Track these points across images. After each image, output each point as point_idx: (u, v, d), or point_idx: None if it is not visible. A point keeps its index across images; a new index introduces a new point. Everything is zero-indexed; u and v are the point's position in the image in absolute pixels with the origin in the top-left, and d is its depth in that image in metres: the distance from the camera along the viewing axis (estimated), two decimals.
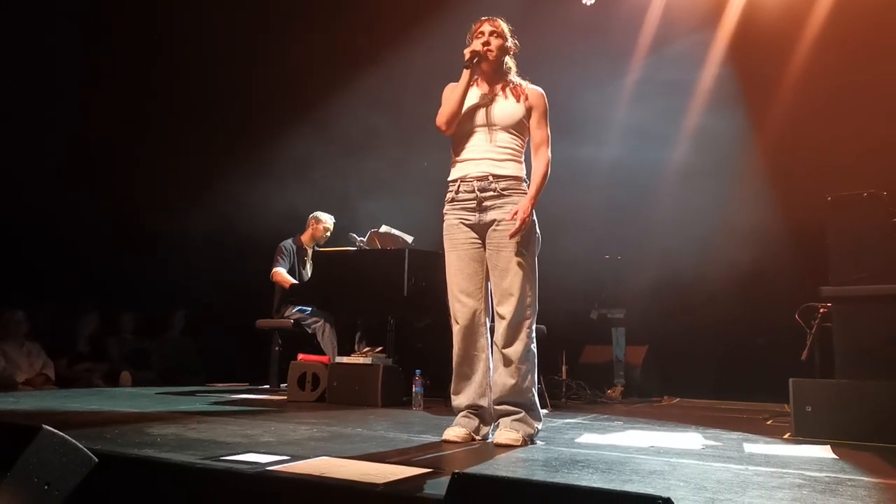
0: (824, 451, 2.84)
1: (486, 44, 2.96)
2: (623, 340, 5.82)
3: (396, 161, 6.32)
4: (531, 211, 2.88)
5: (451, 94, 2.98)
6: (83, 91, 6.21)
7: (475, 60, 2.94)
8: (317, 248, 5.61)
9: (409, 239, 5.06)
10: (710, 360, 5.66)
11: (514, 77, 3.03)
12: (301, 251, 5.69)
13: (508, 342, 2.85)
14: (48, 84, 6.13)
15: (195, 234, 6.38)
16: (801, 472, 2.34)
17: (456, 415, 2.98)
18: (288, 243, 5.65)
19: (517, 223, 2.82)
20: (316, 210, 5.79)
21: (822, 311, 3.89)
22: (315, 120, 6.34)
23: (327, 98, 6.39)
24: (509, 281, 2.86)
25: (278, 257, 5.55)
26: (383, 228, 5.11)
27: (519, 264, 2.86)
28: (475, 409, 2.94)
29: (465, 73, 2.94)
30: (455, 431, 2.88)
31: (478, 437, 2.92)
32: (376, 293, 4.66)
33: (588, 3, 6.12)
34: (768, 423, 3.98)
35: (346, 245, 5.21)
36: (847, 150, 5.05)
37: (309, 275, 5.53)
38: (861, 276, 3.45)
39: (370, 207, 6.07)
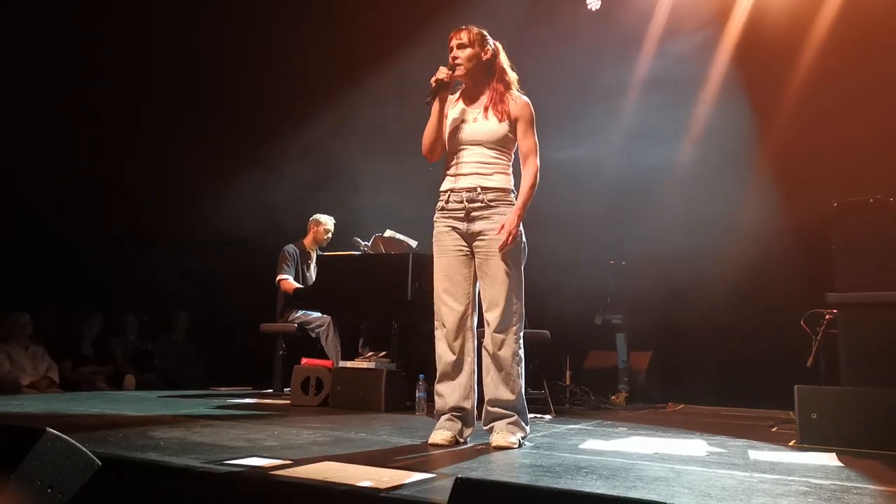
0: (829, 459, 2.83)
1: (455, 58, 2.99)
2: (626, 346, 5.80)
3: (401, 164, 6.31)
4: (518, 223, 2.90)
5: (427, 124, 3.02)
6: (80, 92, 6.18)
7: (438, 90, 2.97)
8: (321, 252, 5.61)
9: (413, 243, 5.06)
10: (715, 366, 5.63)
11: (501, 83, 3.01)
12: (304, 255, 5.69)
13: (496, 347, 2.92)
14: (46, 85, 6.12)
15: (199, 235, 6.39)
16: (807, 480, 2.32)
17: (438, 417, 3.00)
18: (291, 248, 5.66)
19: (504, 236, 2.85)
20: (319, 213, 5.80)
21: (827, 317, 3.88)
22: (320, 122, 6.34)
23: (334, 99, 6.39)
24: (496, 290, 2.92)
25: (283, 264, 5.56)
26: (387, 233, 5.12)
27: (506, 273, 2.91)
28: (458, 412, 2.98)
29: (435, 105, 2.98)
30: (442, 435, 2.91)
31: (461, 440, 2.96)
32: (380, 297, 4.66)
33: (593, 8, 6.12)
34: (773, 430, 3.96)
35: (350, 249, 5.21)
36: (853, 155, 5.04)
37: (313, 278, 5.53)
38: (867, 283, 3.43)
39: (374, 211, 6.06)
